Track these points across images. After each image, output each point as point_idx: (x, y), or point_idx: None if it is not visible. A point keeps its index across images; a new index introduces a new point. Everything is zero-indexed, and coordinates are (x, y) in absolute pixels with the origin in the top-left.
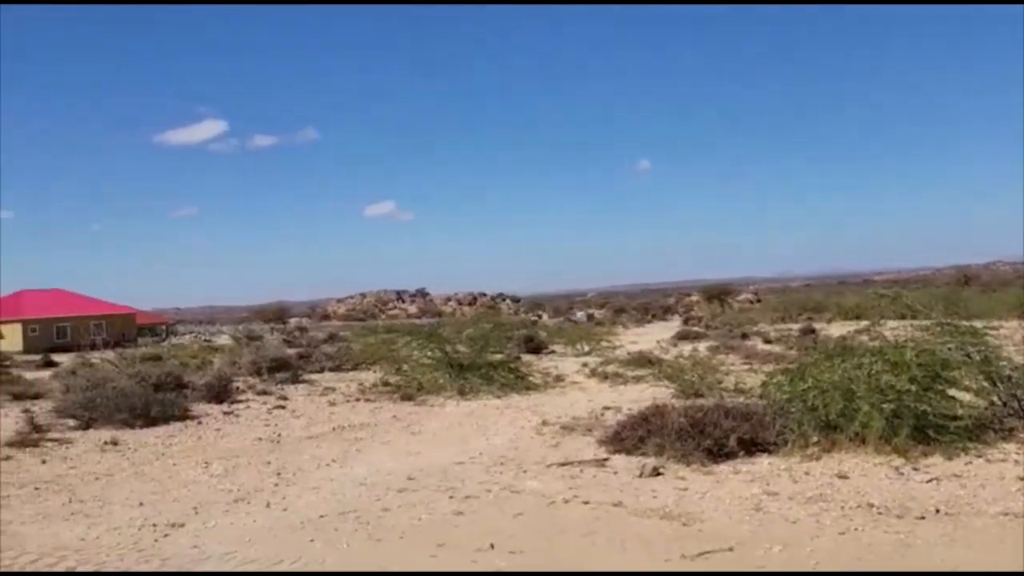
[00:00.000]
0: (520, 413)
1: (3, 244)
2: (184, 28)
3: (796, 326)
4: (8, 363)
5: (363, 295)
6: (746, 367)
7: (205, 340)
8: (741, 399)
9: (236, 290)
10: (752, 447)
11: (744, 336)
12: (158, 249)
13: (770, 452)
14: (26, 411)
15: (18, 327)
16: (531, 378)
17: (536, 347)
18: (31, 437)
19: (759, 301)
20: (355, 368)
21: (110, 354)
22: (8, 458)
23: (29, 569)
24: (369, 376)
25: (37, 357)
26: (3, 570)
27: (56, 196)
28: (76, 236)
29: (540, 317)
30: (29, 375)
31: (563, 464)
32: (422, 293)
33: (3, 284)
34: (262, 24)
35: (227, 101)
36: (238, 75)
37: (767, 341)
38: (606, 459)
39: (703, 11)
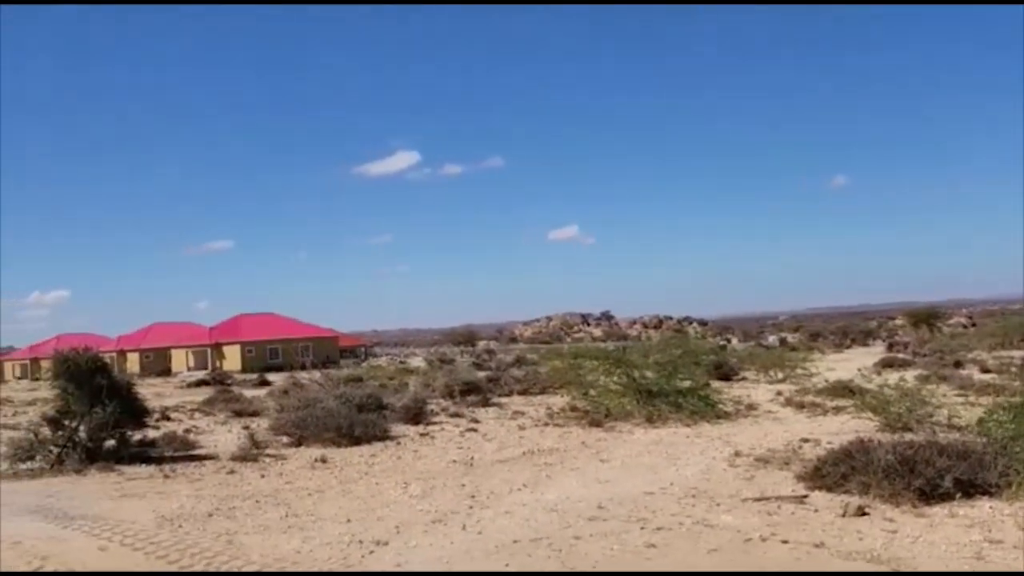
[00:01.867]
0: (711, 443)
1: (224, 272)
2: (375, 67)
3: (1019, 353)
4: (229, 381)
5: (549, 318)
6: (961, 399)
7: (400, 362)
8: (956, 435)
9: (427, 313)
10: (970, 489)
11: (957, 364)
12: (358, 275)
13: (991, 495)
14: (246, 427)
15: (237, 348)
16: (722, 406)
17: (726, 373)
18: (252, 452)
19: (973, 325)
20: (543, 392)
21: (316, 374)
22: (232, 472)
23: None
24: (557, 400)
25: (253, 376)
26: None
27: (269, 226)
28: (286, 263)
29: (729, 341)
30: (248, 393)
31: (759, 499)
32: (607, 316)
33: (224, 309)
34: (447, 60)
35: (418, 133)
36: (427, 107)
37: (984, 370)
38: (805, 496)
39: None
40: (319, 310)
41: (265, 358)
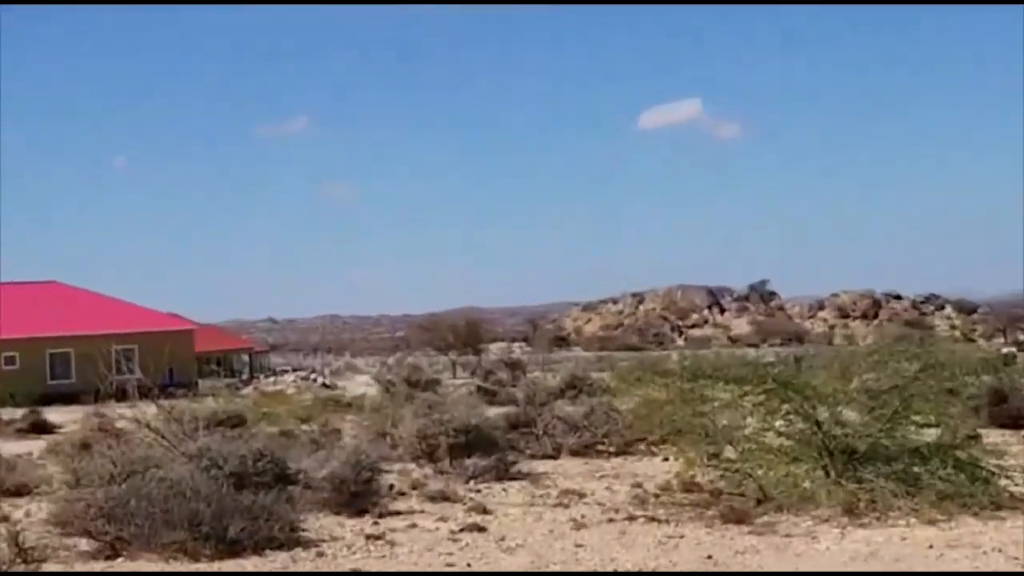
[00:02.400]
0: (990, 561)
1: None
2: None
3: None
4: None
5: (638, 298)
6: None
7: (325, 384)
8: None
9: (382, 290)
10: None
11: None
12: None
13: None
14: (3, 520)
15: None
16: (1008, 482)
17: (1017, 413)
18: (13, 572)
19: None
20: (626, 449)
21: (151, 409)
22: None
23: None
24: (653, 466)
25: (17, 413)
26: None
27: None
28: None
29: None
30: (6, 448)
31: None
32: (761, 293)
33: None
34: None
35: None
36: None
37: None
38: None
39: None
40: (167, 287)
41: (42, 375)
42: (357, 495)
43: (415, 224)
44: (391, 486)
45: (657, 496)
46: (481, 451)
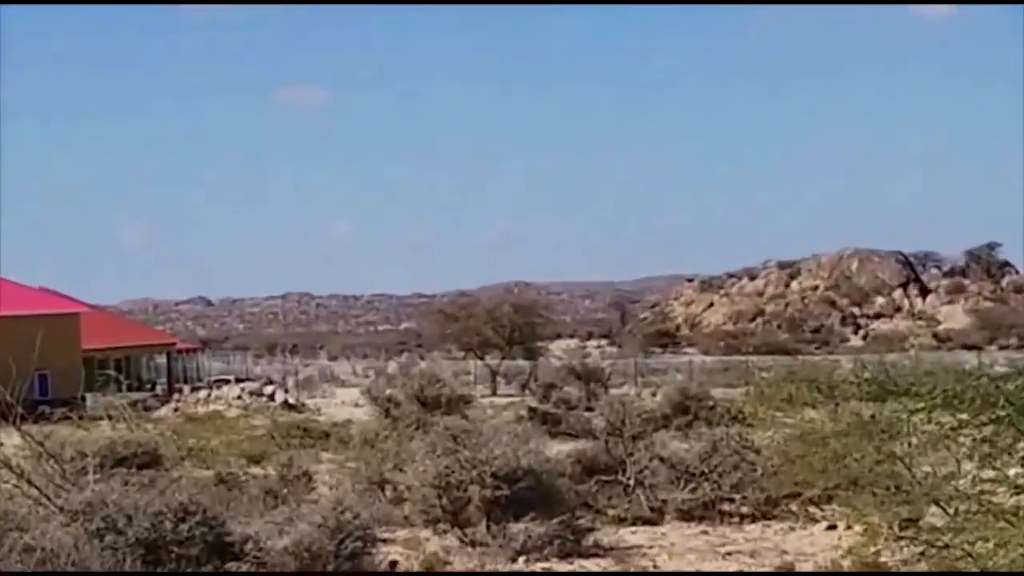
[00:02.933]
0: None
1: None
2: None
3: None
4: None
5: (784, 269)
6: None
7: (288, 404)
8: None
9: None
10: None
11: None
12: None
13: None
14: None
15: None
16: None
17: None
18: None
19: None
20: (768, 510)
21: (10, 439)
22: None
23: None
24: (811, 537)
25: None
26: None
27: None
28: None
29: None
30: None
31: None
32: (986, 263)
33: None
34: None
35: None
36: None
37: None
38: None
39: None
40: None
41: None
42: None
43: (432, 149)
44: (393, 564)
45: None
46: (537, 511)
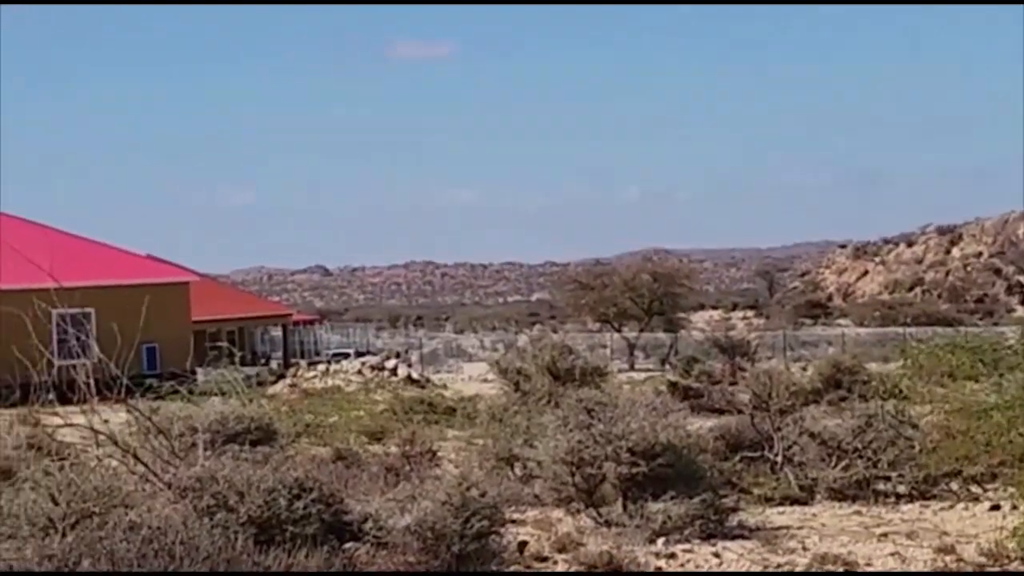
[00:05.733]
0: None
1: None
2: None
3: None
4: None
5: (944, 235)
6: None
7: (411, 378)
8: None
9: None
10: None
11: None
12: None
13: None
14: None
15: None
16: None
17: None
18: None
19: None
20: (927, 489)
21: (117, 415)
22: None
23: None
24: (974, 518)
25: None
26: None
27: None
28: None
29: None
30: None
31: None
32: None
33: None
34: None
35: None
36: None
37: None
38: None
39: None
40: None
41: None
42: (463, 559)
43: (563, 110)
44: (522, 544)
45: (983, 571)
46: (677, 489)
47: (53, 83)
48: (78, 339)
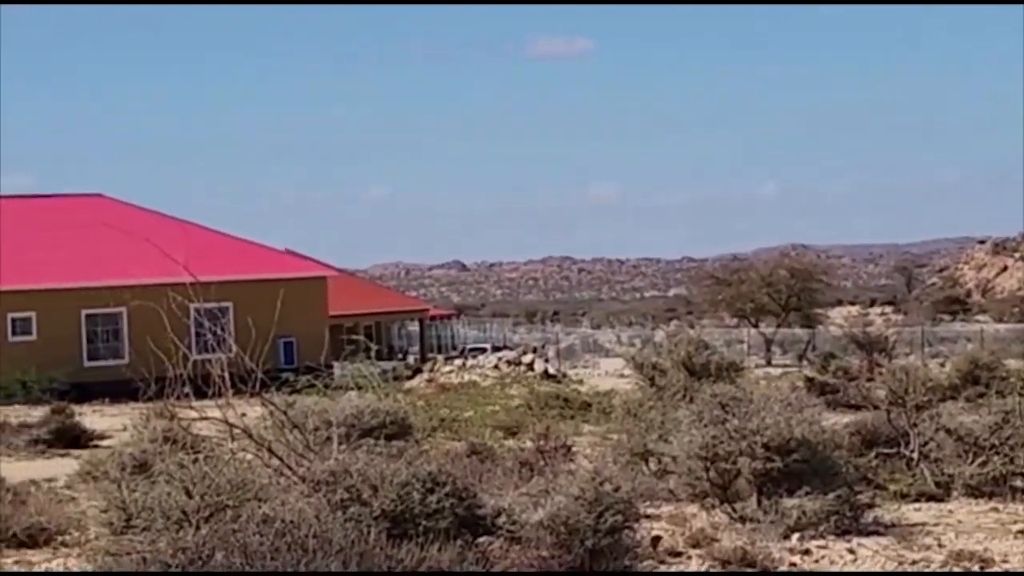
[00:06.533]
0: None
1: None
2: None
3: None
4: None
5: None
6: None
7: (547, 373)
8: None
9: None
10: None
11: None
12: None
13: None
14: None
15: None
16: None
17: None
18: None
19: None
20: None
21: (252, 408)
22: None
23: None
24: None
25: (35, 415)
26: None
27: None
28: None
29: None
30: (16, 470)
31: None
32: None
33: None
34: None
35: None
36: None
37: None
38: None
39: None
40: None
41: (75, 351)
42: (596, 554)
43: (699, 105)
44: (656, 540)
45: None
46: (812, 485)
47: (197, 80)
48: (214, 333)
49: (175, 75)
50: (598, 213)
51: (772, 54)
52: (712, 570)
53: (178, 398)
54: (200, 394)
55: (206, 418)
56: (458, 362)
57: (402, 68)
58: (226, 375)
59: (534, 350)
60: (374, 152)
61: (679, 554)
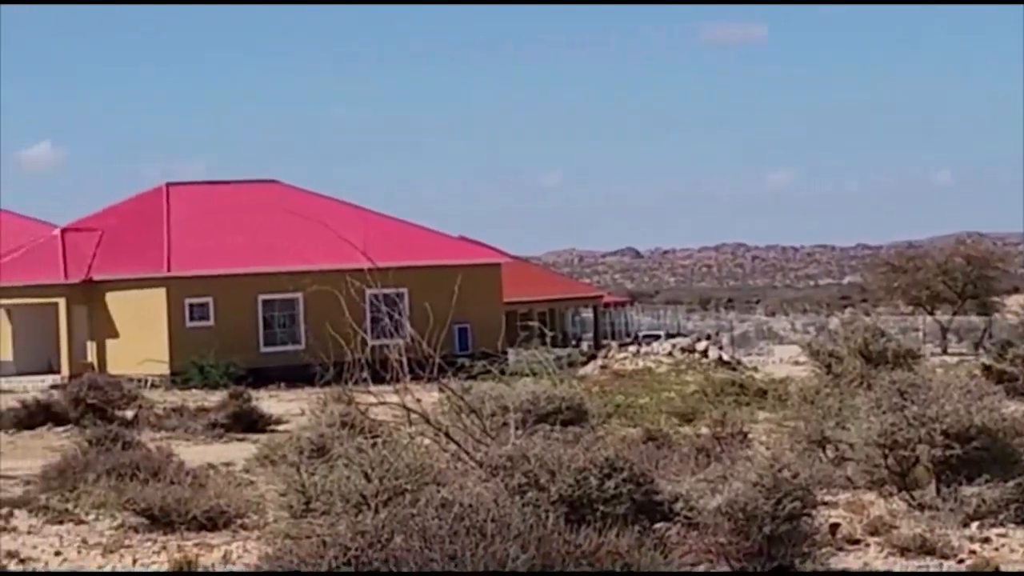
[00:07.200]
0: None
1: None
2: None
3: None
4: (131, 408)
5: None
6: None
7: (722, 360)
8: None
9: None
10: None
11: None
12: None
13: None
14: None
15: (160, 298)
16: None
17: None
18: None
19: None
20: None
21: (428, 393)
22: None
23: None
24: None
25: (212, 399)
26: None
27: None
28: None
29: None
30: (189, 454)
31: None
32: None
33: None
34: None
35: None
36: None
37: None
38: None
39: None
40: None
41: (251, 337)
42: (774, 541)
43: (879, 87)
44: (834, 527)
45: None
46: (992, 473)
47: (368, 72)
48: (391, 318)
49: (341, 66)
50: (772, 200)
51: (939, 43)
52: (890, 558)
53: (356, 383)
54: (378, 379)
55: (384, 403)
56: (632, 349)
57: (574, 56)
58: (403, 360)
59: (708, 337)
60: (549, 140)
61: (857, 541)
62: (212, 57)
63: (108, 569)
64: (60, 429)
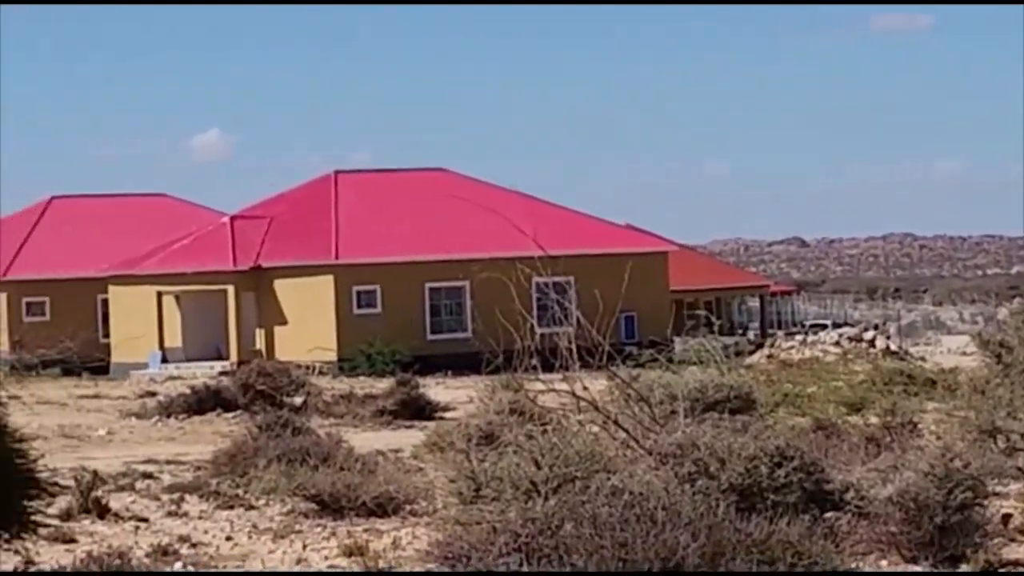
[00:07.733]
0: None
1: None
2: None
3: None
4: (301, 394)
5: None
6: None
7: (890, 350)
8: None
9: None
10: None
11: None
12: None
13: None
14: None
15: (327, 284)
16: None
17: None
18: None
19: None
20: None
21: (597, 382)
22: None
23: None
24: None
25: (380, 386)
26: None
27: None
28: None
29: None
30: (361, 440)
31: None
32: None
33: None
34: None
35: None
36: None
37: None
38: None
39: None
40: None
41: (417, 323)
42: (945, 531)
43: None
44: (1006, 517)
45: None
46: None
47: (535, 64)
48: (560, 306)
49: (508, 57)
50: (940, 189)
51: None
52: None
53: (525, 370)
54: (546, 366)
55: (553, 390)
56: (799, 338)
57: (747, 44)
58: (572, 348)
59: (875, 327)
60: (716, 128)
61: None
62: (377, 46)
63: (279, 553)
64: (229, 415)
